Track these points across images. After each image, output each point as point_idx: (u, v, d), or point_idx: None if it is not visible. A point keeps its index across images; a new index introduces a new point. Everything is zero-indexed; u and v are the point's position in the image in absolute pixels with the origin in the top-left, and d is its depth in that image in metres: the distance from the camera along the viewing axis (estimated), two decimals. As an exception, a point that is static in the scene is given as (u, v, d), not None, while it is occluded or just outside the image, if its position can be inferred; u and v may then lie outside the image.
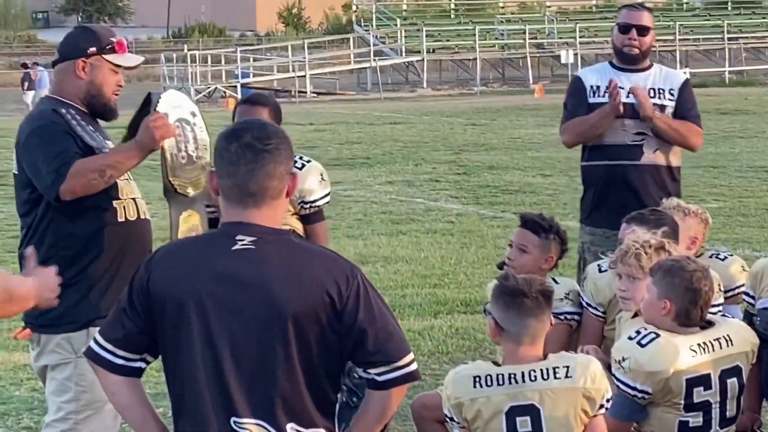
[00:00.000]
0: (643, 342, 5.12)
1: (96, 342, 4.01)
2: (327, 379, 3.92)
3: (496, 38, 51.74)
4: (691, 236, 6.39)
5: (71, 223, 5.70)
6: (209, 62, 48.67)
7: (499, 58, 51.37)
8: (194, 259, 3.93)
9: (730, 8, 57.88)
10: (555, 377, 4.79)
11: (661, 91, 7.51)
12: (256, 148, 3.85)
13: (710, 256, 6.53)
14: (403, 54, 49.30)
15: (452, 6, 59.53)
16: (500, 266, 6.53)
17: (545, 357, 4.87)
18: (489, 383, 4.80)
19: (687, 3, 59.54)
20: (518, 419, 4.77)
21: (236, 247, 3.84)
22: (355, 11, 56.49)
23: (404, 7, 56.74)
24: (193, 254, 3.96)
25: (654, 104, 7.47)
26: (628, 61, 7.55)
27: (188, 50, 48.32)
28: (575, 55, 48.49)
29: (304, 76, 46.73)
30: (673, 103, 7.51)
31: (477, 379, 4.82)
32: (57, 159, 5.55)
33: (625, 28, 7.55)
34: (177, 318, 3.89)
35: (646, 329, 5.18)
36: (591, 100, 7.60)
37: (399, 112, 36.81)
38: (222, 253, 3.85)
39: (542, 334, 4.86)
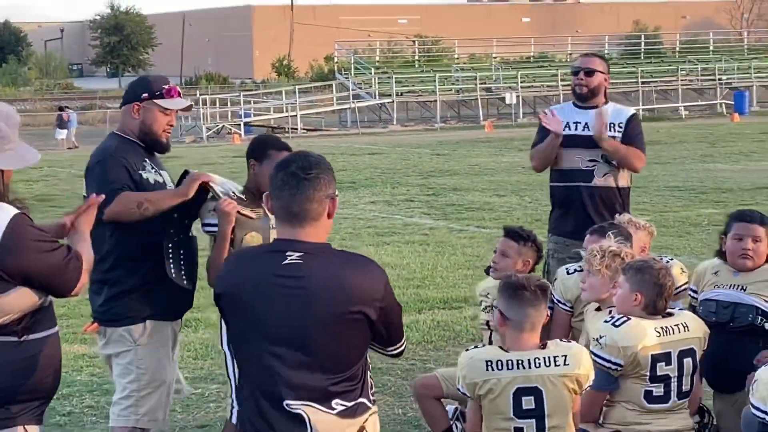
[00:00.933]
0: (617, 323, 5.19)
1: None
2: (362, 361, 3.94)
3: (453, 83, 51.79)
4: (641, 246, 6.44)
5: (132, 238, 5.73)
6: (217, 105, 48.60)
7: (455, 100, 51.40)
8: (252, 265, 3.93)
9: (642, 57, 58.21)
10: (555, 365, 4.84)
11: (612, 125, 7.51)
12: (298, 177, 3.84)
13: None
14: (377, 97, 49.32)
15: (416, 57, 59.71)
16: (487, 270, 6.57)
17: (544, 345, 4.90)
18: (500, 367, 4.84)
19: (606, 54, 59.81)
20: (523, 398, 4.84)
21: (286, 261, 3.84)
22: (336, 62, 56.44)
23: (377, 58, 56.84)
24: (251, 262, 3.96)
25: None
26: (580, 98, 7.59)
27: (200, 95, 48.13)
28: (518, 97, 48.63)
29: (296, 115, 46.72)
30: (620, 134, 7.52)
31: (489, 363, 4.86)
32: (109, 186, 5.60)
33: (575, 72, 7.64)
34: (236, 314, 3.91)
35: (618, 315, 5.24)
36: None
37: (375, 144, 36.76)
38: (275, 265, 3.85)
39: (540, 323, 4.91)
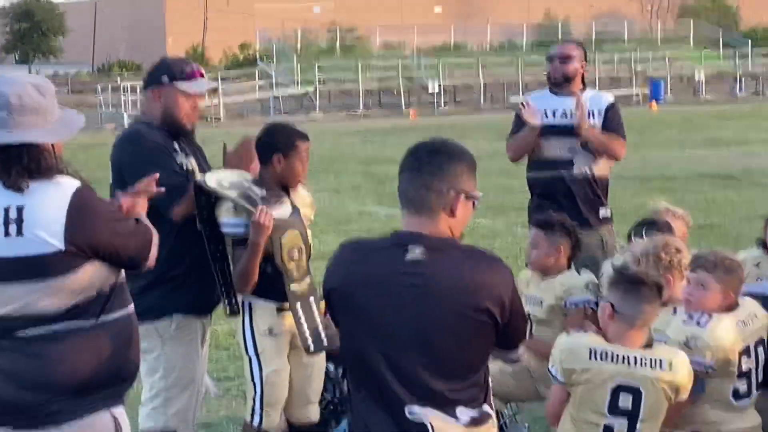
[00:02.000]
0: (701, 322, 4.88)
1: None
2: (485, 366, 3.62)
3: (375, 72, 51.57)
4: (679, 237, 6.15)
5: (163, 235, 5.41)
6: (138, 92, 47.71)
7: (377, 88, 51.15)
8: (368, 259, 3.59)
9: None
10: (660, 368, 4.55)
11: (591, 112, 7.35)
12: (422, 161, 3.53)
13: None
14: (299, 85, 48.88)
15: (337, 45, 59.40)
16: (527, 264, 6.33)
17: (649, 345, 4.62)
18: (604, 357, 4.54)
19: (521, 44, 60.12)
20: (621, 395, 4.53)
21: (408, 257, 3.50)
22: (259, 50, 55.86)
23: (298, 46, 56.36)
24: (366, 256, 3.61)
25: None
26: (556, 84, 7.44)
27: (121, 81, 47.26)
28: (440, 85, 48.53)
29: (218, 103, 46.02)
30: (600, 122, 7.37)
31: (593, 351, 4.56)
32: (170, 179, 5.31)
33: (549, 58, 7.52)
34: (348, 312, 3.58)
35: (694, 313, 4.96)
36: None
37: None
38: (395, 261, 3.51)
39: (651, 321, 4.63)
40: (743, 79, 54.76)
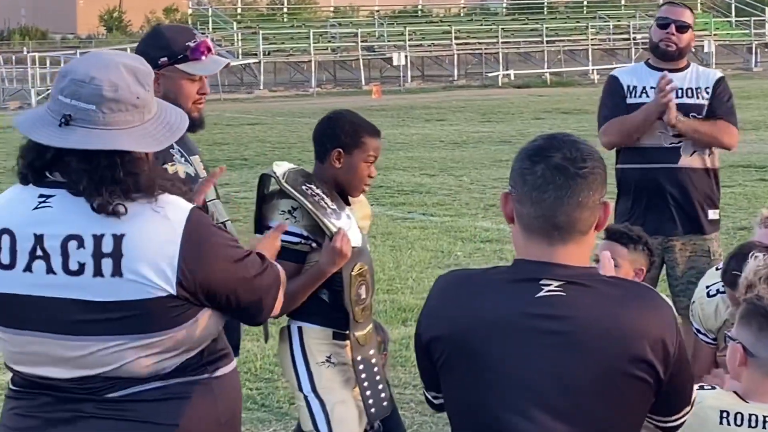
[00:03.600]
0: None
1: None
2: None
3: (329, 41, 51.15)
4: None
5: None
6: (48, 64, 47.02)
7: (332, 60, 50.77)
8: (488, 297, 3.20)
9: (546, 13, 58.39)
10: None
11: (698, 90, 7.17)
12: (569, 172, 3.12)
13: None
14: (240, 56, 48.39)
15: (284, 10, 58.90)
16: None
17: None
18: (739, 422, 4.14)
19: (504, 6, 60.01)
20: None
21: (542, 293, 3.12)
22: (190, 14, 55.28)
23: (238, 10, 55.82)
24: (485, 293, 3.22)
25: (692, 104, 7.13)
26: (665, 58, 7.17)
27: (27, 52, 46.56)
28: (406, 57, 48.19)
29: (142, 79, 45.50)
30: (707, 102, 7.17)
31: (725, 415, 4.14)
32: None
33: (664, 24, 7.18)
34: (463, 364, 3.21)
35: None
36: (629, 100, 7.21)
37: (249, 112, 35.84)
38: (524, 300, 3.13)
39: None
40: (759, 50, 54.86)
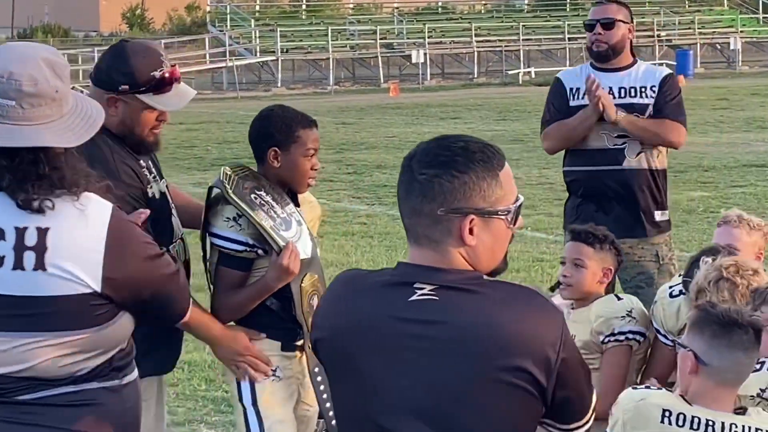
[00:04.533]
0: None
1: None
2: None
3: (347, 38, 51.17)
4: (755, 251, 5.90)
5: None
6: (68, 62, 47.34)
7: (350, 58, 50.78)
8: (361, 301, 3.08)
9: (568, 9, 58.21)
10: None
11: (643, 89, 7.03)
12: (413, 175, 3.04)
13: None
14: (258, 54, 48.46)
15: (303, 7, 58.98)
16: (553, 288, 5.87)
17: (743, 410, 4.12)
18: (681, 423, 4.07)
19: (527, 4, 59.92)
20: None
21: (414, 297, 3.00)
22: (209, 12, 55.42)
23: (257, 7, 55.90)
24: (360, 297, 3.10)
25: (636, 103, 7.01)
26: (599, 59, 7.04)
27: (44, 50, 46.78)
28: (425, 54, 48.15)
29: (161, 76, 45.66)
30: (653, 100, 7.03)
31: (667, 414, 4.07)
32: None
33: (590, 26, 7.10)
34: (338, 368, 3.14)
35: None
36: (572, 103, 7.09)
37: (263, 111, 35.84)
38: (397, 305, 3.01)
39: (746, 375, 4.13)
40: (786, 48, 54.74)
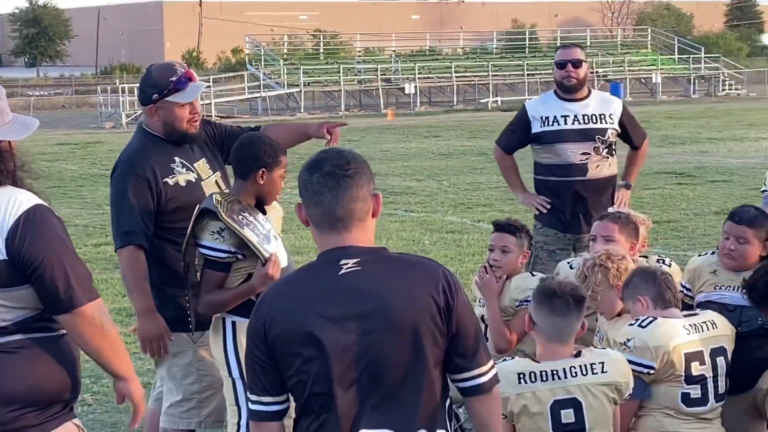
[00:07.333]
0: (644, 324, 4.51)
1: (251, 402, 3.19)
2: (441, 385, 3.13)
3: (355, 74, 51.01)
4: (641, 241, 5.79)
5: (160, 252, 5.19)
6: (136, 93, 47.16)
7: (357, 90, 50.61)
8: (305, 291, 3.09)
9: (527, 52, 58.03)
10: (593, 373, 4.10)
11: (602, 116, 6.97)
12: (337, 175, 3.07)
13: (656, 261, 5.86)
14: (285, 86, 48.32)
15: (320, 50, 58.81)
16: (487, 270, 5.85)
17: (578, 353, 4.16)
18: (533, 379, 4.08)
19: (495, 48, 59.68)
20: (562, 412, 4.08)
21: (343, 271, 3.04)
22: (247, 54, 55.20)
23: (284, 51, 55.67)
24: (302, 288, 3.11)
25: (597, 128, 6.93)
26: (569, 92, 6.98)
27: (119, 83, 46.65)
28: (416, 87, 48.04)
29: (210, 103, 45.46)
30: (614, 125, 6.96)
31: (521, 375, 4.09)
32: (123, 229, 5.12)
33: (561, 65, 7.02)
34: (293, 343, 3.06)
35: (642, 317, 4.55)
36: (535, 130, 7.01)
37: (288, 131, 35.68)
38: (331, 279, 3.05)
39: (571, 334, 4.16)
40: (696, 82, 54.47)
